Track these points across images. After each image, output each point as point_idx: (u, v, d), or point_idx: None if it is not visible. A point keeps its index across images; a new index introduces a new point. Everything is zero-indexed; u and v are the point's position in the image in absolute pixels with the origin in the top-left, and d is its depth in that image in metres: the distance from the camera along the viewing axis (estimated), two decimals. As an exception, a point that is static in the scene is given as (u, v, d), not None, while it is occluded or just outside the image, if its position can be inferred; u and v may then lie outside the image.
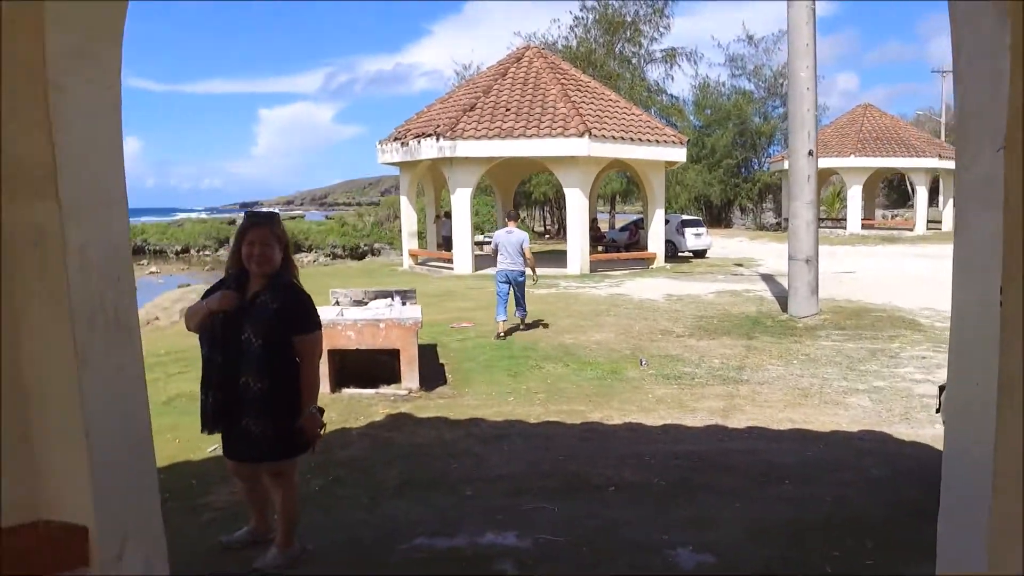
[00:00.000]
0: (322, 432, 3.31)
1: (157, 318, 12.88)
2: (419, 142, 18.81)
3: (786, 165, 15.18)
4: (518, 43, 29.61)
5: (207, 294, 3.39)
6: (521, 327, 10.32)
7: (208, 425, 3.28)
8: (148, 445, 2.36)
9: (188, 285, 21.67)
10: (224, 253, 35.59)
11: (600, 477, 4.67)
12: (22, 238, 1.99)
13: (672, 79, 36.31)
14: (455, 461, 5.00)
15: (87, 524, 1.97)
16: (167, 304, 13.74)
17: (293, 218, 61.43)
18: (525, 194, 34.08)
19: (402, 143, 19.65)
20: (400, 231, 23.59)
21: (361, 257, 31.45)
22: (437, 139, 18.06)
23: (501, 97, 19.22)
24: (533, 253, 10.38)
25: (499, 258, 10.03)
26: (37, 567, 2.04)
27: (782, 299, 12.42)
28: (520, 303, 10.26)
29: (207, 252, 36.91)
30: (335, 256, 32.41)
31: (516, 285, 10.03)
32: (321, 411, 3.30)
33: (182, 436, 5.30)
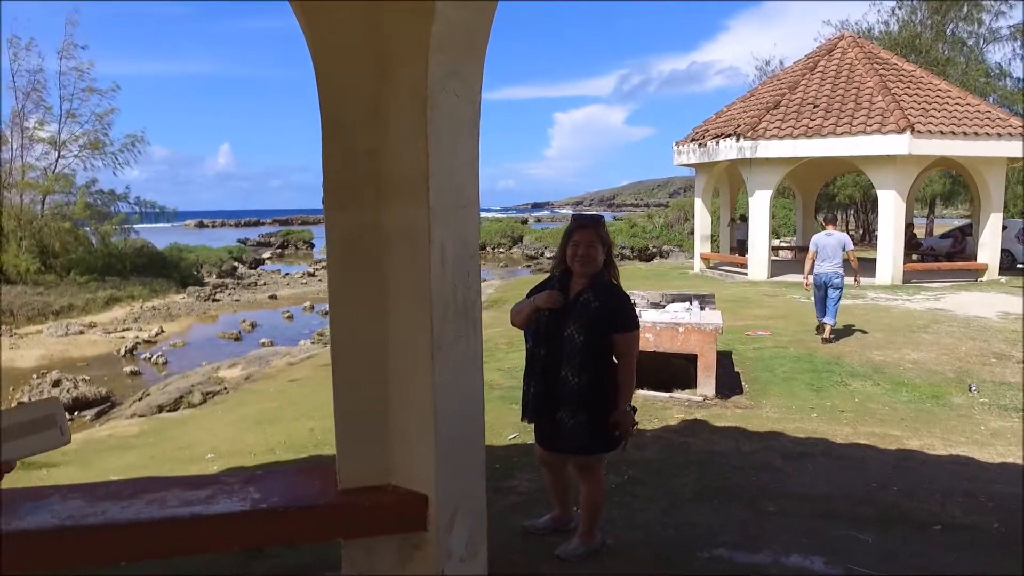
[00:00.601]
0: (634, 430, 3.41)
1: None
2: (717, 143, 18.38)
3: None
4: (828, 33, 27.55)
5: (531, 292, 3.66)
6: (826, 335, 9.66)
7: (528, 414, 3.55)
8: (480, 426, 2.60)
9: (485, 280, 23.56)
10: (516, 251, 38.20)
11: (923, 512, 4.21)
12: (396, 237, 2.33)
13: (1022, 59, 30.89)
14: (754, 474, 4.84)
15: (427, 493, 2.25)
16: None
17: (584, 219, 63.37)
18: (828, 196, 31.64)
19: (699, 144, 19.35)
20: (691, 233, 23.27)
21: (649, 259, 31.59)
22: (737, 139, 17.49)
23: (809, 93, 18.03)
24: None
25: (817, 261, 9.75)
26: (383, 525, 2.36)
27: None
28: (830, 310, 9.72)
29: (501, 249, 39.71)
30: (623, 257, 32.91)
31: (832, 288, 9.64)
32: (634, 409, 3.41)
33: (487, 420, 5.76)
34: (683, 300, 8.23)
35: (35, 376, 12.92)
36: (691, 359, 7.06)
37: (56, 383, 11.98)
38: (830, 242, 9.71)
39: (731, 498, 4.39)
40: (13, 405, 1.36)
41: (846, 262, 9.72)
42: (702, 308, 7.96)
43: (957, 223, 28.03)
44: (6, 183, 25.35)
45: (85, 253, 25.62)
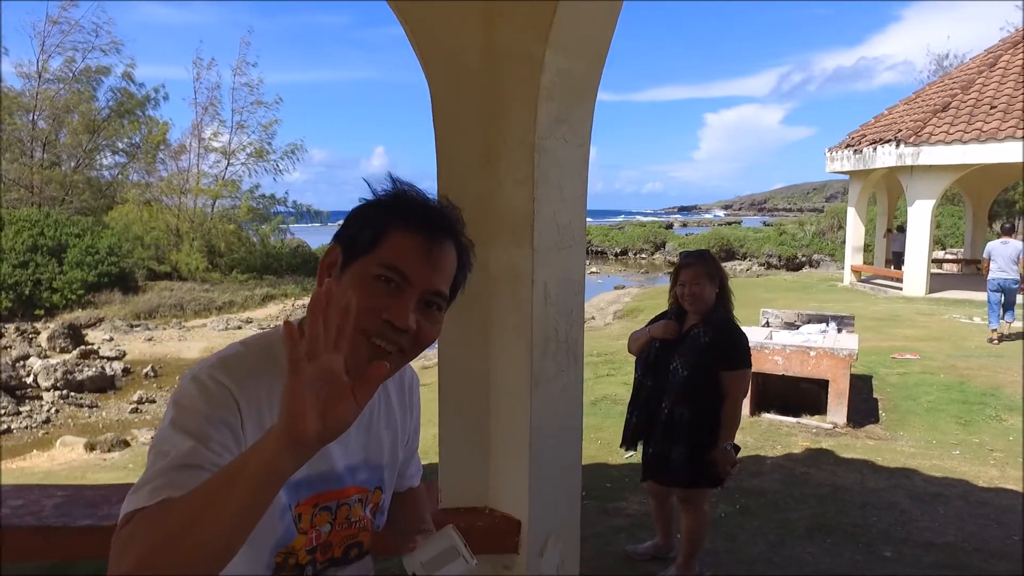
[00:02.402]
0: (734, 469, 3.41)
1: (593, 317, 14.15)
2: (874, 149, 17.28)
3: None
4: (1017, 19, 25.06)
5: (651, 323, 3.72)
6: (1006, 335, 10.58)
7: (627, 442, 3.64)
8: (577, 457, 2.72)
9: (623, 287, 23.41)
10: (659, 257, 37.57)
11: (1066, 574, 3.88)
12: (501, 277, 2.50)
13: None
14: (876, 514, 4.63)
15: (520, 519, 2.40)
16: (603, 305, 14.99)
17: (730, 224, 61.39)
18: (1005, 203, 28.83)
19: (855, 150, 18.28)
20: (843, 243, 22.01)
21: (798, 268, 30.15)
22: (896, 145, 16.37)
23: (986, 93, 16.54)
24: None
25: (991, 267, 10.50)
26: (477, 546, 2.55)
27: None
28: (1010, 308, 10.58)
29: (643, 255, 39.13)
30: (769, 266, 31.63)
31: (1008, 292, 10.43)
32: (737, 448, 3.40)
33: (604, 438, 5.84)
34: (820, 321, 7.91)
35: (198, 367, 14.32)
36: (823, 384, 6.79)
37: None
38: (1005, 251, 10.39)
39: (847, 538, 4.24)
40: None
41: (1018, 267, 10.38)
42: (839, 330, 7.62)
43: None
44: (184, 189, 28.16)
45: (246, 253, 27.96)
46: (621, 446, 3.68)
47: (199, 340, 17.54)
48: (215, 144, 29.20)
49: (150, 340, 17.37)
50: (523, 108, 2.42)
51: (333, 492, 1.23)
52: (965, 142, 15.55)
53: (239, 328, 19.12)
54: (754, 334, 7.24)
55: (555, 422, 2.55)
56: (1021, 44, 17.72)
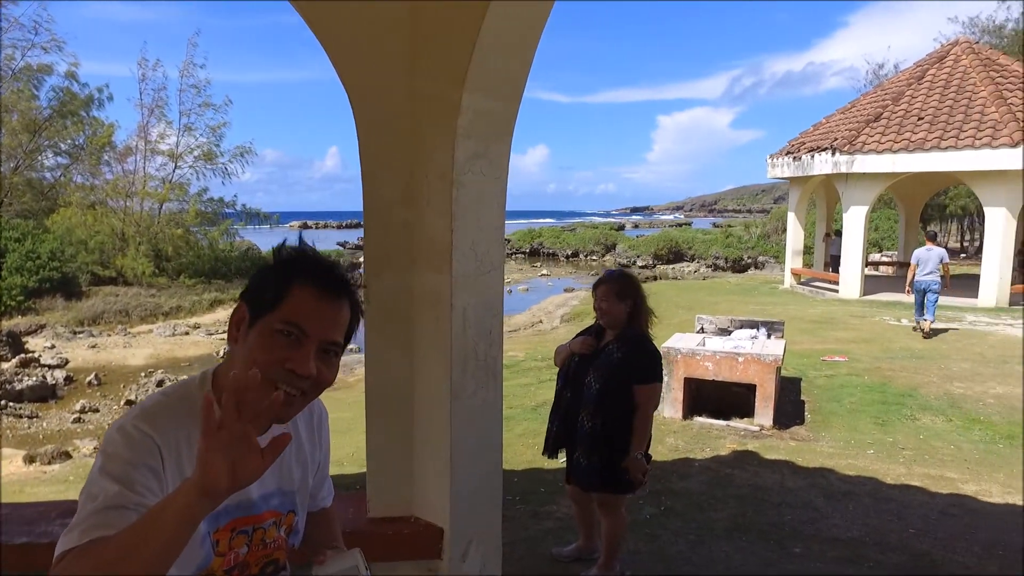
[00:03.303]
0: (645, 478, 3.65)
1: (540, 321, 14.37)
2: (812, 156, 17.94)
3: None
4: (951, 32, 26.18)
5: (576, 336, 3.95)
6: (926, 331, 11.92)
7: (548, 450, 3.88)
8: (498, 467, 2.93)
9: (572, 290, 23.75)
10: (610, 259, 38.04)
11: (955, 564, 4.24)
12: (424, 301, 2.69)
13: None
14: (791, 512, 4.96)
15: (443, 526, 2.60)
16: (551, 308, 15.23)
17: (680, 225, 62.41)
18: (938, 207, 30.06)
19: (794, 157, 18.94)
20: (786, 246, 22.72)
21: (743, 270, 30.94)
22: (832, 153, 17.04)
23: (914, 104, 17.33)
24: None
25: (918, 271, 12.04)
26: (404, 552, 2.73)
27: None
28: (931, 310, 11.99)
29: (594, 257, 39.62)
30: (716, 267, 32.39)
31: (932, 293, 11.94)
32: (648, 458, 3.65)
33: (542, 443, 6.05)
34: (751, 327, 8.29)
35: (143, 375, 14.13)
36: (752, 388, 7.14)
37: (160, 383, 13.11)
38: (930, 256, 11.99)
39: (761, 536, 4.54)
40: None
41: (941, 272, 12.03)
42: (768, 336, 8.00)
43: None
44: (130, 192, 27.65)
45: (195, 257, 27.63)
46: (543, 453, 3.92)
47: (145, 347, 17.29)
48: (162, 146, 28.79)
49: (94, 347, 17.06)
50: (443, 146, 2.61)
51: (249, 518, 1.41)
52: (895, 152, 16.27)
53: (186, 334, 18.88)
54: (687, 341, 7.57)
55: (475, 435, 2.75)
56: (947, 58, 18.59)
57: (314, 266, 1.36)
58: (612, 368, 3.61)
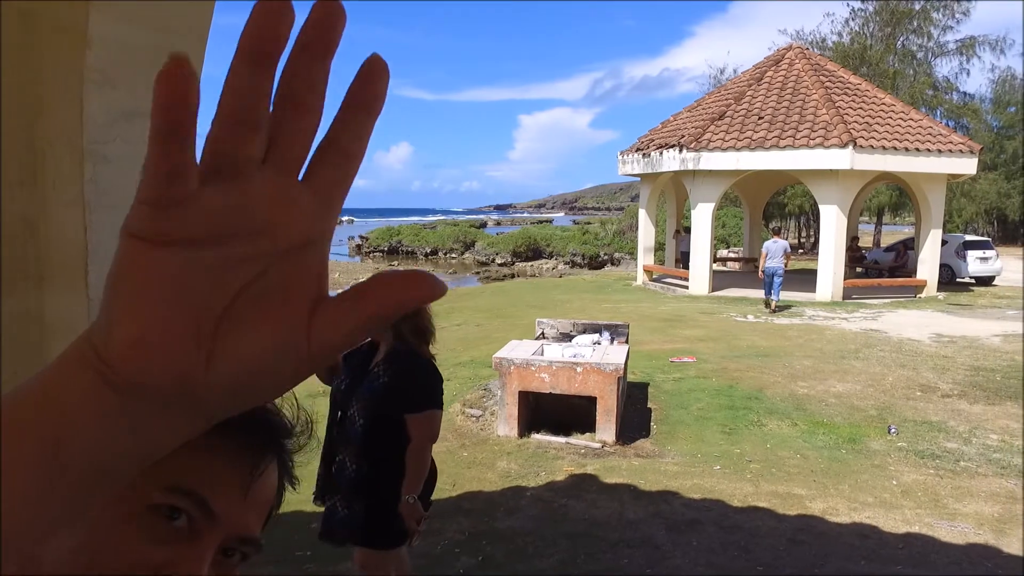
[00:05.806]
0: (420, 526, 2.82)
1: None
2: (660, 153, 17.98)
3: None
4: (783, 42, 27.44)
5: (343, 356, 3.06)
6: (772, 308, 14.32)
7: (317, 495, 2.96)
8: None
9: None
10: (468, 257, 37.45)
11: (805, 609, 3.71)
12: (58, 331, 1.76)
13: (968, 74, 31.50)
14: (629, 553, 4.30)
15: None
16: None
17: (541, 222, 63.08)
18: (778, 205, 31.62)
19: (643, 154, 18.94)
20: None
21: (600, 267, 31.19)
22: (680, 150, 17.10)
23: (755, 104, 17.72)
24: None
25: (767, 260, 14.30)
26: None
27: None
28: (776, 291, 14.30)
29: (453, 255, 38.81)
30: (574, 264, 32.50)
31: (777, 277, 14.17)
32: (428, 502, 2.83)
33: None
34: (594, 331, 7.71)
35: None
36: (593, 400, 6.52)
37: None
38: (776, 247, 14.45)
39: (593, 590, 3.84)
40: None
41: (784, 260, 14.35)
42: (612, 341, 7.44)
43: (907, 230, 28.14)
44: None
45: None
46: (314, 501, 2.99)
47: None
48: None
49: None
50: (69, 99, 1.67)
51: None
52: (739, 149, 16.52)
53: None
54: (522, 349, 6.85)
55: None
56: (782, 62, 19.22)
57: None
58: (377, 397, 2.76)
